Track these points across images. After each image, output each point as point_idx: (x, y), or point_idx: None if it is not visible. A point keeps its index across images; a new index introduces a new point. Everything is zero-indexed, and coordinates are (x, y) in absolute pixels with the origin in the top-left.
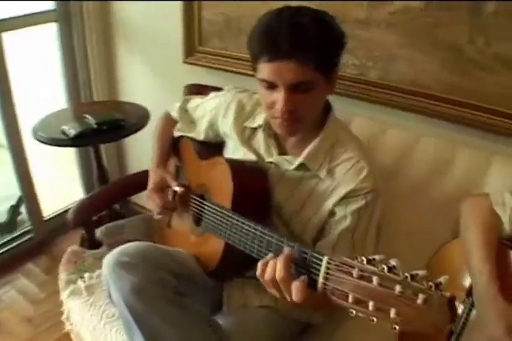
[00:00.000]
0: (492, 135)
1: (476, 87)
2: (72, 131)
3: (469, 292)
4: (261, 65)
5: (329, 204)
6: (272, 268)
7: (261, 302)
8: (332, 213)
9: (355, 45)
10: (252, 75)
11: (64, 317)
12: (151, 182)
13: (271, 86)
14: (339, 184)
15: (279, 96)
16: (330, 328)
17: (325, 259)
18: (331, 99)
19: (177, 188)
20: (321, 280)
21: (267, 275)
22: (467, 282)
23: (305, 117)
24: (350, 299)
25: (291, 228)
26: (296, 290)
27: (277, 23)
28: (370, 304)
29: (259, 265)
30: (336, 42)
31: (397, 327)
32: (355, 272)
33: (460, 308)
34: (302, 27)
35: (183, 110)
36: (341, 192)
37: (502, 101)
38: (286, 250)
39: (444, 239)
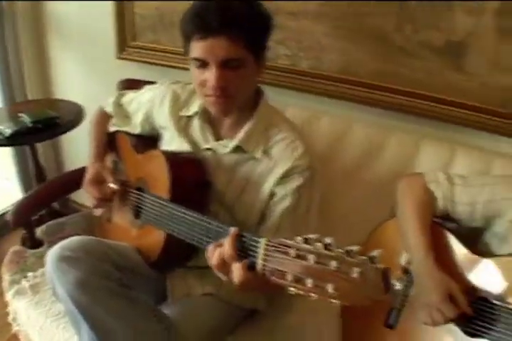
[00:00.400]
0: (421, 119)
1: (405, 73)
2: (7, 130)
3: (405, 269)
4: (193, 43)
5: (269, 185)
6: (219, 250)
7: (204, 290)
8: (272, 194)
9: (286, 36)
10: (184, 68)
11: (10, 318)
12: (87, 175)
13: (202, 64)
14: (276, 164)
15: (210, 74)
16: (275, 313)
17: (263, 241)
18: (264, 89)
19: (112, 185)
20: (260, 261)
21: (216, 256)
22: (403, 260)
23: (237, 95)
24: (289, 278)
25: (235, 214)
26: (236, 270)
27: (208, 3)
28: (308, 281)
29: (210, 249)
30: (263, 23)
31: (336, 302)
32: (292, 251)
33: (397, 285)
34: (231, 6)
35: (117, 105)
36: (279, 171)
37: (430, 86)
38: (232, 229)
39: (377, 220)
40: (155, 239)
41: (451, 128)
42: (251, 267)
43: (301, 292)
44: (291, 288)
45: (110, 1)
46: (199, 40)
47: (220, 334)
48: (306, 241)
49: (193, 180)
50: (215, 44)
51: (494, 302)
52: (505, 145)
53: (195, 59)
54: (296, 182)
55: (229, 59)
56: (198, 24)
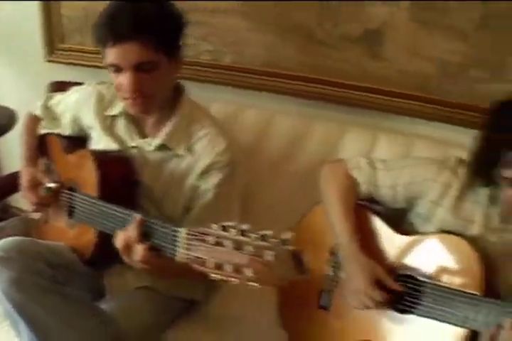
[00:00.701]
0: (344, 107)
1: (326, 63)
2: None
3: (332, 252)
4: (107, 50)
5: (191, 180)
6: (124, 234)
7: (140, 283)
8: (195, 188)
9: (209, 32)
10: None
11: None
12: (23, 181)
13: (118, 69)
14: (198, 159)
15: (124, 78)
16: (211, 302)
17: (183, 231)
18: (188, 85)
19: (49, 184)
20: (182, 250)
21: (121, 239)
22: (331, 244)
23: (153, 96)
24: (209, 265)
25: (163, 209)
26: (138, 251)
27: (118, 9)
28: (228, 267)
29: (117, 233)
30: (174, 24)
31: (255, 285)
32: (210, 239)
33: (330, 270)
34: (141, 11)
35: (45, 107)
36: (200, 167)
37: (350, 75)
38: (136, 215)
39: (303, 210)
40: (88, 236)
41: (373, 114)
42: (155, 249)
43: (223, 277)
44: (213, 275)
45: (37, 2)
46: (111, 46)
47: (159, 326)
48: (224, 228)
49: (120, 178)
50: (127, 49)
51: (419, 278)
52: (425, 128)
53: (110, 64)
54: (216, 177)
55: (141, 62)
56: (109, 31)
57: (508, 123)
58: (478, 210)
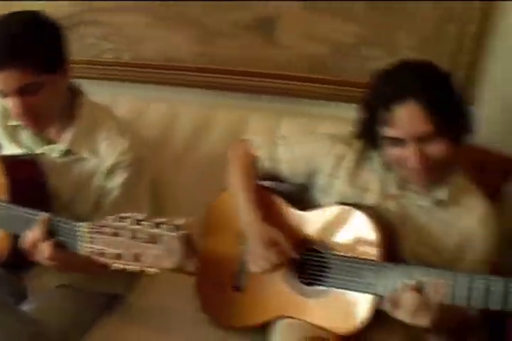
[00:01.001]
0: (245, 94)
1: (224, 53)
2: None
3: (240, 234)
4: None
5: (98, 180)
6: (31, 233)
7: (58, 282)
8: (102, 188)
9: (109, 32)
10: None
11: None
12: None
13: (4, 95)
14: (103, 160)
15: (10, 102)
16: (135, 294)
17: (84, 225)
18: (91, 84)
19: None
20: (84, 244)
21: (27, 239)
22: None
23: (44, 112)
24: (110, 255)
25: (73, 211)
26: (44, 248)
27: None
28: (126, 255)
29: (25, 233)
30: (51, 40)
31: (153, 270)
32: (109, 230)
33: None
34: (11, 36)
35: None
36: (105, 167)
37: (248, 63)
38: (40, 215)
39: (211, 198)
40: (3, 241)
41: (273, 99)
42: (61, 246)
43: (124, 266)
44: (114, 264)
45: None
46: None
47: (82, 324)
48: (121, 219)
49: (29, 180)
50: (6, 76)
51: (322, 251)
52: (327, 109)
53: None
54: (121, 177)
55: (23, 86)
56: None
57: (383, 86)
58: (374, 178)
